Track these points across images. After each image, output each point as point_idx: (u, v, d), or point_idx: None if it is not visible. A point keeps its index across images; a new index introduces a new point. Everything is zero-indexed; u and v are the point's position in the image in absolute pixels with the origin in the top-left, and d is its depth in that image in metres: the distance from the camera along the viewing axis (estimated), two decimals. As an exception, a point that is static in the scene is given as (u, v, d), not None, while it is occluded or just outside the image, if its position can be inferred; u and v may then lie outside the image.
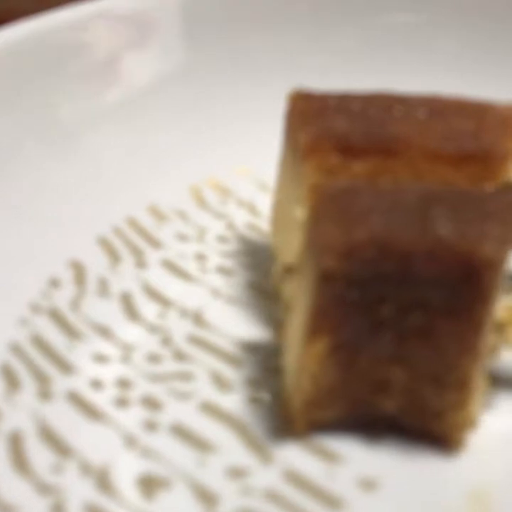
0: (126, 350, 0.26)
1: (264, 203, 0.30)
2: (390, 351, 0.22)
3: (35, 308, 0.27)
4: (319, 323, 0.22)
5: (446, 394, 0.22)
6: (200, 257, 0.29)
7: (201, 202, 0.32)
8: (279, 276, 0.28)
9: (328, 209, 0.22)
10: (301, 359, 0.22)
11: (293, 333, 0.24)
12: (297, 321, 0.23)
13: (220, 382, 0.25)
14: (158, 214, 0.31)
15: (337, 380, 0.23)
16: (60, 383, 0.25)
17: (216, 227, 0.31)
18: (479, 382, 0.23)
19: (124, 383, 0.25)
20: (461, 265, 0.21)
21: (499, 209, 0.22)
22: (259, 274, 0.29)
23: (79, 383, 0.25)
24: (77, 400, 0.24)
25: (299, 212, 0.24)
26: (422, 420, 0.23)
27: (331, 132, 0.25)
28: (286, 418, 0.24)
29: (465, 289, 0.21)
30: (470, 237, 0.21)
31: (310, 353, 0.22)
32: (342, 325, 0.22)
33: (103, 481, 0.22)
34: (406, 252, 0.21)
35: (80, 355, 0.26)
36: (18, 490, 0.22)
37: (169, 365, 0.25)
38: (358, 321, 0.22)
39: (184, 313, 0.27)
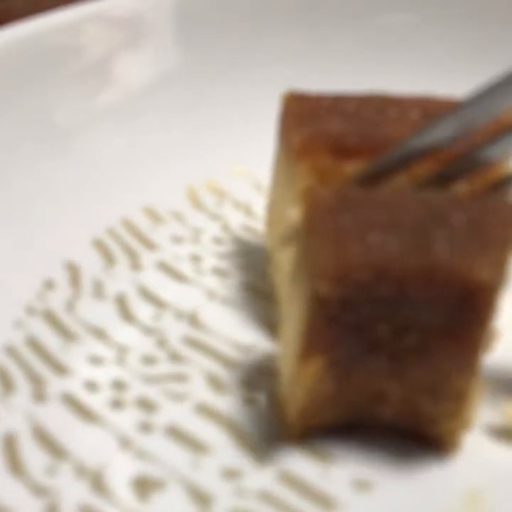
0: (121, 352, 0.26)
1: (261, 204, 0.30)
2: (385, 368, 0.22)
3: (30, 310, 0.27)
4: (313, 343, 0.21)
5: (441, 404, 0.22)
6: (196, 259, 0.29)
7: (197, 203, 0.32)
8: (275, 276, 0.28)
9: (322, 224, 0.21)
10: (295, 374, 0.22)
11: (287, 342, 0.24)
12: (291, 333, 0.23)
13: (215, 383, 0.25)
14: (153, 215, 0.31)
15: (332, 391, 0.22)
16: (55, 385, 0.25)
17: (211, 229, 0.31)
18: (475, 390, 0.23)
19: (119, 385, 0.25)
20: (458, 288, 0.20)
21: (497, 227, 0.21)
22: (255, 275, 0.29)
23: (74, 385, 0.25)
24: (71, 402, 0.24)
25: (293, 213, 0.24)
26: (417, 425, 0.23)
27: (324, 133, 0.25)
28: (280, 419, 0.24)
29: (462, 311, 0.21)
30: (467, 259, 0.20)
31: (304, 370, 0.22)
32: (336, 345, 0.21)
33: (98, 482, 0.22)
34: (402, 275, 0.20)
35: (74, 356, 0.26)
36: (12, 492, 0.22)
37: (164, 367, 0.25)
38: (352, 341, 0.21)
39: (179, 314, 0.27)
